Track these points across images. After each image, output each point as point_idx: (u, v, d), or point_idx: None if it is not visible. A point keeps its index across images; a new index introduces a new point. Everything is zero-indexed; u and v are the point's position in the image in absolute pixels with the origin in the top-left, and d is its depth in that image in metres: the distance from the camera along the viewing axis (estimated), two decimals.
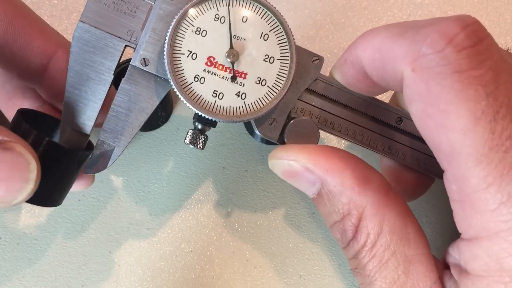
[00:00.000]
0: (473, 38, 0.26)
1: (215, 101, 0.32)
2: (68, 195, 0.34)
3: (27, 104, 0.37)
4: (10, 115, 0.36)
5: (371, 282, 0.30)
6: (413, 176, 0.38)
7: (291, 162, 0.32)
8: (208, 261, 0.43)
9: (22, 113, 0.32)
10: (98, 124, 0.34)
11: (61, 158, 0.31)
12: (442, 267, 0.31)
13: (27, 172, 0.27)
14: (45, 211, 0.43)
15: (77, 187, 0.37)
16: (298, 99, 0.34)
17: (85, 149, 0.34)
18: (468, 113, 0.25)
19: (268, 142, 0.44)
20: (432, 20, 0.28)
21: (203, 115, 0.32)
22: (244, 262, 0.43)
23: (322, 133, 0.35)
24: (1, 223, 0.42)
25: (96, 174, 0.36)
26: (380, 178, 0.32)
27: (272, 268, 0.43)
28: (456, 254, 0.29)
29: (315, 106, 0.35)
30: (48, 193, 0.32)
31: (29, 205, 0.43)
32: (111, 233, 0.43)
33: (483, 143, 0.25)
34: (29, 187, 0.28)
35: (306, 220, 0.44)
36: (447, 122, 0.26)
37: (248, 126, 0.45)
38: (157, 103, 0.33)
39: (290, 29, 0.32)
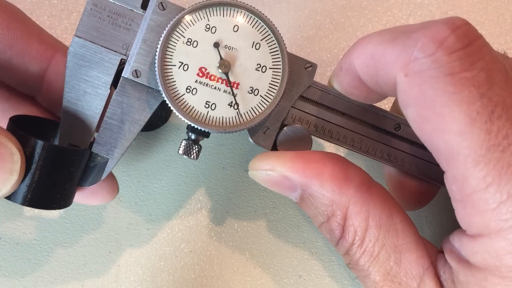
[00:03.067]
0: (463, 40, 0.26)
1: (208, 112, 0.32)
2: None
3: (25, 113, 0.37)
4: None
5: (366, 275, 0.31)
6: (416, 184, 0.38)
7: (269, 172, 0.32)
8: (207, 261, 0.43)
9: (15, 121, 0.32)
10: None
11: (62, 158, 0.31)
12: (435, 251, 0.31)
13: (10, 163, 0.27)
14: (44, 211, 0.43)
15: (99, 200, 0.37)
16: (292, 106, 0.34)
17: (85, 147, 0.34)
18: (463, 115, 0.25)
19: None
20: (423, 24, 0.28)
21: (195, 126, 0.31)
22: (243, 262, 0.43)
23: (321, 141, 0.35)
24: (1, 223, 0.42)
25: None
26: (360, 174, 0.32)
27: (271, 268, 0.43)
28: (457, 244, 0.29)
29: (313, 115, 0.35)
30: (55, 196, 0.32)
31: None
32: (110, 233, 0.43)
33: (480, 143, 0.25)
34: (13, 179, 0.28)
35: (306, 220, 0.44)
36: (443, 125, 0.26)
37: None
38: (150, 114, 0.33)
39: (282, 37, 0.32)
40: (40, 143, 0.30)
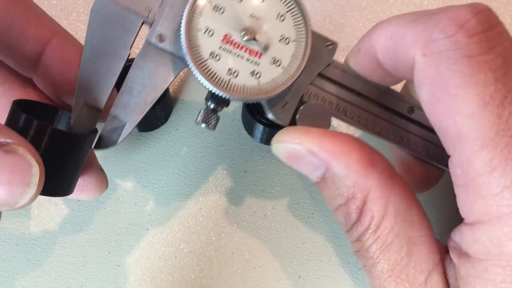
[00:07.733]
0: (484, 24, 0.26)
1: (230, 79, 0.32)
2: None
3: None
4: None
5: (374, 264, 0.30)
6: (423, 168, 0.38)
7: (295, 146, 0.32)
8: (207, 262, 0.43)
9: (18, 104, 0.31)
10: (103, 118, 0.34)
11: (68, 144, 0.31)
12: (445, 250, 0.31)
13: (29, 176, 0.26)
14: (44, 211, 0.43)
15: (88, 195, 0.36)
16: (311, 83, 0.34)
17: (90, 132, 0.33)
18: (477, 97, 0.25)
19: (267, 142, 0.44)
20: (445, 7, 0.28)
21: (217, 92, 0.31)
22: (243, 263, 0.43)
23: (333, 120, 0.35)
24: (0, 223, 0.42)
25: None
26: (385, 161, 0.32)
27: (271, 268, 0.43)
28: (458, 238, 0.29)
29: (328, 92, 0.35)
30: (59, 183, 0.31)
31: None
32: (110, 234, 0.43)
33: (489, 127, 0.25)
34: (31, 191, 0.26)
35: (305, 221, 0.44)
36: (455, 106, 0.26)
37: (247, 126, 0.45)
38: (171, 80, 0.33)
39: (307, 11, 0.32)
40: (50, 129, 0.29)
